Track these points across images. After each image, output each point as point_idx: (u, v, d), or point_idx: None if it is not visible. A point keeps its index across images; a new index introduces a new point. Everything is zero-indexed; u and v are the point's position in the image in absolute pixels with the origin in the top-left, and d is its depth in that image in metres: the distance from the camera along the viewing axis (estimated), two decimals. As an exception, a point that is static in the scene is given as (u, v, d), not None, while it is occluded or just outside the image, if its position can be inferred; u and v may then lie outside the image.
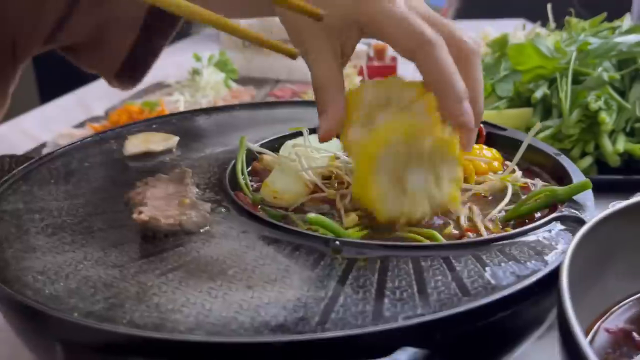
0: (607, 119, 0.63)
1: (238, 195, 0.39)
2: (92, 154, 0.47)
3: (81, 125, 0.89)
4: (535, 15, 1.04)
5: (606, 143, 0.64)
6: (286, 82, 1.15)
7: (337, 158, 0.45)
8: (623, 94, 0.69)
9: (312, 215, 0.33)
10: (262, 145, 0.47)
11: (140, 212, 0.33)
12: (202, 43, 1.72)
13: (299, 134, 0.49)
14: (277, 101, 0.70)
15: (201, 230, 0.34)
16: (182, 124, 0.54)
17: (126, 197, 0.38)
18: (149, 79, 1.13)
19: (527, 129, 0.68)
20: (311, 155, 0.45)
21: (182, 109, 0.96)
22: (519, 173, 0.42)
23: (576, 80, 0.68)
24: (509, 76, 0.74)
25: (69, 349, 0.25)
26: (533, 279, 0.27)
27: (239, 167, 0.42)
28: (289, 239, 0.32)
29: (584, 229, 0.27)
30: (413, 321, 0.25)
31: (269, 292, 0.28)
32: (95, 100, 1.12)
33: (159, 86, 1.11)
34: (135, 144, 0.47)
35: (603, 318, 0.29)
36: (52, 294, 0.28)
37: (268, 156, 0.45)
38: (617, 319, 0.29)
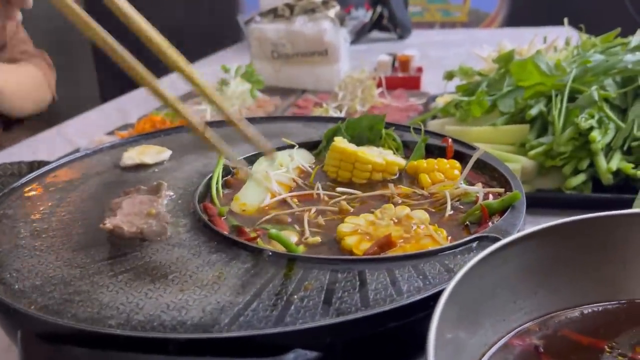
0: (598, 138, 0.63)
1: (207, 206, 0.43)
2: (93, 165, 0.53)
3: (112, 132, 0.97)
4: (586, 23, 1.02)
5: (600, 161, 0.64)
6: (312, 92, 1.19)
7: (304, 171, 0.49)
8: (625, 111, 0.69)
9: (272, 231, 0.37)
10: (239, 160, 0.51)
11: (106, 222, 0.38)
12: (235, 54, 1.79)
13: (275, 149, 0.53)
14: (270, 116, 0.74)
15: (159, 238, 0.38)
16: (178, 138, 0.59)
17: (106, 205, 0.43)
18: (185, 87, 1.21)
19: (523, 145, 0.70)
20: (279, 169, 0.49)
21: (208, 118, 1.02)
22: (477, 186, 0.44)
23: (574, 99, 0.68)
24: (511, 92, 0.75)
25: (26, 337, 0.30)
26: (418, 297, 0.30)
27: (213, 180, 0.47)
28: (229, 248, 0.36)
29: (470, 263, 0.29)
30: (302, 326, 0.28)
31: (196, 295, 0.32)
32: (133, 107, 1.20)
33: (190, 95, 1.18)
34: (130, 157, 0.53)
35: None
36: (20, 289, 0.33)
37: (242, 170, 0.49)
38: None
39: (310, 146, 0.56)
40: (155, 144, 0.57)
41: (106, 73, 3.21)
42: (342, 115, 0.95)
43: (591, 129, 0.64)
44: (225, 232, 0.39)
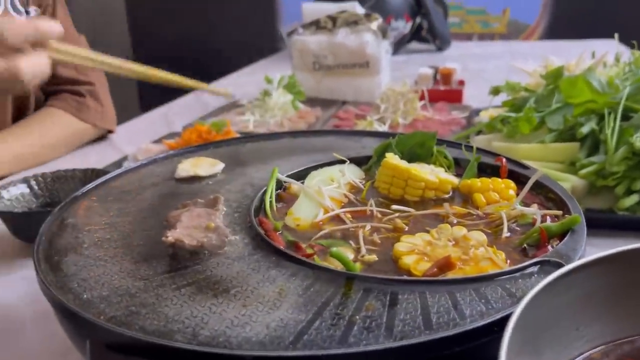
0: (653, 158, 0.62)
1: (262, 220, 0.44)
2: (148, 175, 0.54)
3: (159, 140, 0.99)
4: (631, 35, 0.99)
5: (655, 182, 0.63)
6: (352, 104, 1.19)
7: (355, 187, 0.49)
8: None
9: (334, 249, 0.37)
10: (291, 175, 0.52)
11: (168, 235, 0.38)
12: (274, 63, 1.81)
13: (326, 164, 0.53)
14: (316, 130, 0.75)
15: (219, 252, 0.39)
16: (231, 150, 0.60)
17: (165, 218, 0.44)
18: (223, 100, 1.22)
19: (572, 164, 0.68)
20: (330, 184, 0.49)
21: (251, 128, 1.04)
22: (534, 208, 0.44)
23: (628, 117, 0.67)
24: (560, 109, 0.74)
25: (95, 346, 0.31)
26: (482, 322, 0.30)
27: (267, 195, 0.48)
28: (288, 264, 0.37)
29: (536, 289, 0.29)
30: (368, 348, 0.28)
31: (259, 311, 0.32)
32: (177, 116, 1.22)
33: (234, 105, 1.20)
34: (184, 169, 0.54)
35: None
36: (88, 299, 0.34)
37: (295, 185, 0.50)
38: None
39: (360, 161, 0.56)
40: (208, 156, 0.58)
41: (147, 91, 3.29)
42: (385, 128, 0.95)
43: (645, 149, 0.62)
44: (283, 248, 0.39)
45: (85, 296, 0.34)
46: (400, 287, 0.33)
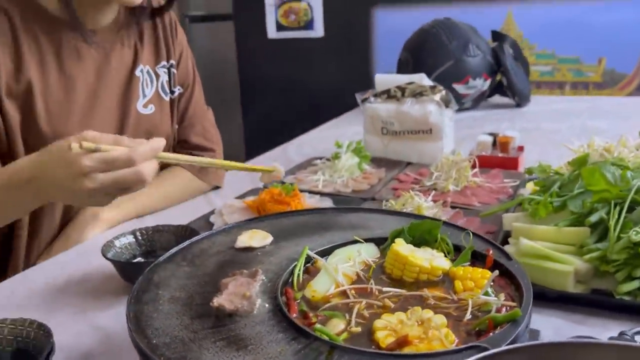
0: (648, 252, 0.69)
1: (287, 290, 0.59)
2: (216, 243, 0.71)
3: (242, 196, 1.17)
4: None
5: (652, 272, 0.70)
6: (415, 166, 1.31)
7: (368, 265, 0.63)
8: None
9: (318, 326, 0.51)
10: (320, 251, 0.66)
11: (214, 301, 0.55)
12: (351, 120, 1.96)
13: (350, 242, 0.68)
14: (355, 207, 0.88)
15: (249, 315, 0.54)
16: (282, 223, 0.76)
17: (220, 283, 0.60)
18: (309, 151, 1.41)
19: (581, 247, 0.76)
20: (348, 262, 0.63)
21: (320, 187, 1.20)
22: (500, 297, 0.55)
23: (635, 209, 0.74)
24: (582, 194, 0.82)
25: (156, 376, 0.48)
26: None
27: (296, 269, 0.63)
28: (293, 329, 0.51)
29: None
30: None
31: (263, 364, 0.47)
32: (262, 170, 1.41)
33: (310, 162, 1.37)
34: (242, 240, 0.70)
35: None
36: (155, 344, 0.51)
37: (320, 261, 0.64)
38: None
39: (381, 242, 0.69)
40: (264, 227, 0.74)
41: (252, 128, 3.60)
42: (432, 196, 1.06)
43: (642, 242, 0.69)
44: (294, 315, 0.54)
45: (154, 341, 0.51)
46: (365, 357, 0.47)
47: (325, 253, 0.67)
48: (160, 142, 0.76)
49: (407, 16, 3.08)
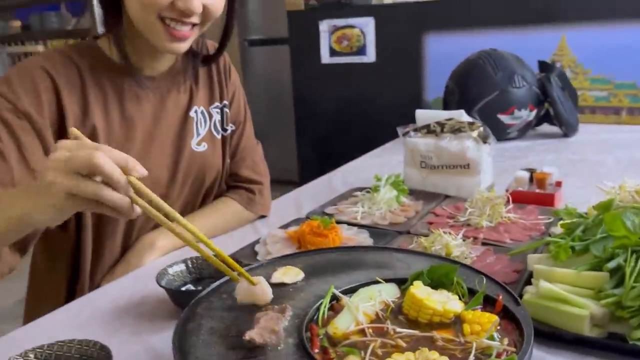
0: (658, 301, 0.71)
1: (312, 326, 0.66)
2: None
3: (285, 226, 1.26)
4: None
5: (667, 320, 0.72)
6: (454, 199, 1.36)
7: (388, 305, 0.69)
8: None
9: None
10: (346, 290, 0.73)
11: (246, 334, 0.63)
12: (396, 148, 2.01)
13: (373, 282, 0.74)
14: (383, 247, 0.94)
15: (277, 349, 0.62)
16: (312, 260, 0.83)
17: (253, 317, 0.68)
18: (352, 180, 1.47)
19: (599, 292, 0.79)
20: (369, 301, 0.70)
21: (358, 219, 1.27)
22: (503, 342, 0.60)
23: (651, 257, 0.77)
24: (605, 239, 0.85)
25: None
26: None
27: (322, 306, 0.70)
28: (311, 365, 0.58)
29: None
30: None
31: (283, 394, 0.54)
32: (306, 200, 1.49)
33: (351, 193, 1.44)
34: (277, 276, 0.78)
35: None
36: (195, 370, 0.59)
37: (344, 299, 0.71)
38: None
39: (402, 281, 0.76)
40: (297, 263, 0.82)
41: (305, 150, 3.71)
42: (465, 232, 1.11)
43: (657, 291, 0.72)
44: (316, 350, 0.61)
45: (194, 368, 0.60)
46: (370, 392, 0.53)
47: (350, 291, 0.73)
48: (138, 167, 0.70)
49: (458, 41, 3.12)
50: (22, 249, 0.96)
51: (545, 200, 1.27)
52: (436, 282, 0.73)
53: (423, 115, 1.46)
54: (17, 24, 4.97)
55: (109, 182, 0.68)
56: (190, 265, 1.00)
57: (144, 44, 1.04)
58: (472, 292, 0.72)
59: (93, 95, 1.05)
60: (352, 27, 3.35)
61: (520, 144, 1.96)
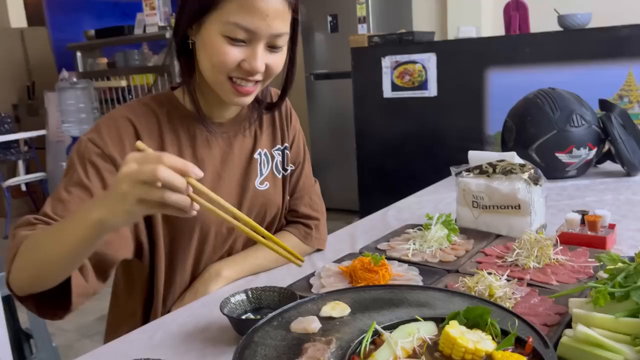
0: (696, 350, 0.74)
1: (355, 358, 0.74)
2: (305, 311, 0.88)
3: (339, 261, 1.34)
4: None
5: None
6: (505, 238, 1.39)
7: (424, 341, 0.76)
8: None
9: None
10: (388, 325, 0.80)
11: (294, 362, 0.71)
12: (452, 185, 2.04)
13: (413, 319, 0.81)
14: (422, 286, 1.00)
15: (320, 376, 0.70)
16: (359, 296, 0.91)
17: (302, 346, 0.77)
18: (407, 217, 1.54)
19: (635, 339, 0.82)
20: (408, 337, 0.76)
21: (409, 256, 1.33)
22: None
23: (689, 306, 0.79)
24: (645, 286, 0.88)
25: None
26: None
27: (364, 340, 0.77)
28: (350, 393, 0.66)
29: None
30: None
31: (324, 417, 0.62)
32: (362, 235, 1.57)
33: (404, 230, 1.50)
34: (325, 310, 0.87)
35: None
36: (249, 392, 0.68)
37: (385, 334, 0.78)
38: None
39: (440, 320, 0.82)
40: (345, 299, 0.90)
41: (366, 182, 3.81)
42: (511, 272, 1.15)
43: (692, 339, 0.75)
44: (354, 381, 0.68)
45: (249, 389, 0.69)
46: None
47: (391, 327, 0.80)
48: (191, 165, 0.84)
49: (521, 76, 3.13)
50: (103, 276, 1.09)
51: (596, 243, 1.28)
52: (472, 322, 0.79)
53: (476, 156, 1.51)
54: (103, 61, 5.40)
55: (171, 188, 0.81)
56: (250, 295, 1.09)
57: (214, 96, 1.18)
58: (505, 333, 0.77)
59: (169, 139, 1.18)
60: (414, 62, 3.44)
61: (579, 183, 1.96)
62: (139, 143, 0.87)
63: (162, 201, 0.81)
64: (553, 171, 1.97)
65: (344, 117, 4.51)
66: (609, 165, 2.12)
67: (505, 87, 3.18)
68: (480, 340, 0.74)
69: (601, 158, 2.08)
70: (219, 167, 1.24)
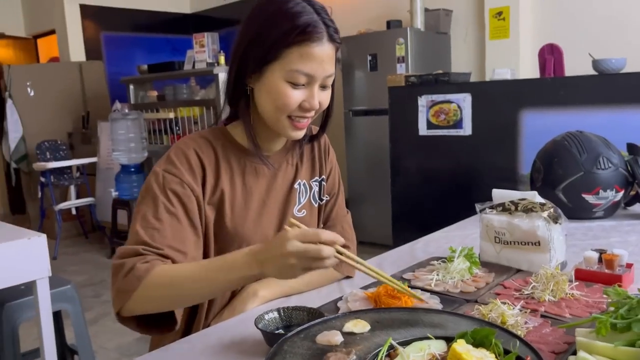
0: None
1: (370, 369, 0.84)
2: (330, 326, 0.98)
3: (366, 287, 1.43)
4: None
5: (694, 395, 0.81)
6: (524, 273, 1.47)
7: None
8: None
9: None
10: (402, 341, 0.90)
11: (317, 367, 0.81)
12: (476, 223, 2.11)
13: (425, 337, 0.90)
14: (437, 310, 1.09)
15: (339, 381, 0.80)
16: (381, 317, 1.01)
17: (325, 356, 0.87)
18: (433, 250, 1.62)
19: (633, 367, 0.89)
20: (419, 352, 0.86)
21: (432, 286, 1.42)
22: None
23: (682, 338, 0.86)
24: (645, 319, 0.95)
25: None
26: None
27: (380, 353, 0.87)
28: (364, 395, 0.76)
29: None
30: None
31: (340, 413, 0.72)
32: (390, 264, 1.66)
33: (429, 261, 1.59)
34: (348, 327, 0.97)
35: None
36: (277, 390, 0.79)
37: (399, 349, 0.88)
38: None
39: (450, 339, 0.91)
40: (366, 318, 1.00)
41: (399, 217, 3.90)
42: (525, 304, 1.22)
43: (682, 367, 0.81)
44: (369, 386, 0.78)
45: (277, 388, 0.79)
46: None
47: (405, 343, 0.90)
48: (338, 236, 1.02)
49: (555, 117, 3.20)
50: None
51: (612, 281, 1.34)
52: (478, 342, 0.87)
53: (499, 195, 1.60)
54: (153, 93, 5.72)
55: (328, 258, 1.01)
56: (282, 313, 1.20)
57: (265, 132, 1.33)
58: (508, 352, 0.85)
59: (223, 168, 1.33)
60: (449, 102, 3.54)
61: (605, 224, 2.00)
62: (291, 220, 1.08)
63: (319, 267, 1.02)
64: (580, 211, 2.03)
65: (380, 152, 4.62)
66: (637, 208, 2.16)
67: (539, 128, 3.25)
68: (484, 357, 0.83)
69: (630, 200, 2.12)
70: (264, 195, 1.38)
